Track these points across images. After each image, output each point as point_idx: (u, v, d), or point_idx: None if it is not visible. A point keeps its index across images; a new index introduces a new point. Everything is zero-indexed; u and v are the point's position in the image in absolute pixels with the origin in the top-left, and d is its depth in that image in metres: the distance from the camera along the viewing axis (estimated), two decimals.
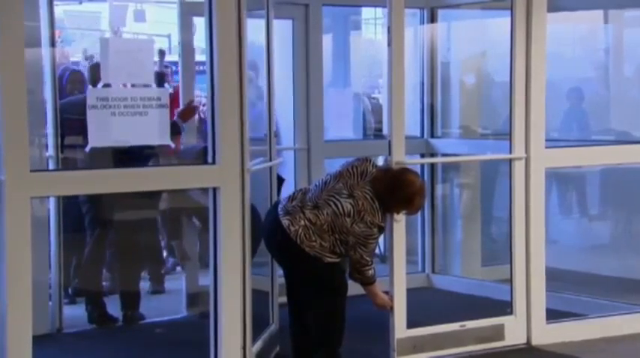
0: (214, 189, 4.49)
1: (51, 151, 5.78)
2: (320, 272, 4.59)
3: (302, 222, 4.51)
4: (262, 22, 5.28)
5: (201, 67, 7.62)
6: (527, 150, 5.44)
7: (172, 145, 5.24)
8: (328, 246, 4.55)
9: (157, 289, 6.82)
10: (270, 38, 5.25)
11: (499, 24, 6.22)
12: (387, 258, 5.34)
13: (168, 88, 5.96)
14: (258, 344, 4.88)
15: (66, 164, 5.71)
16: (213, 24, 4.44)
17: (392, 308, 5.00)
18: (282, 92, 7.11)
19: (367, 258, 4.62)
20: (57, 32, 6.14)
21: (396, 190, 4.61)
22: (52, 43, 5.83)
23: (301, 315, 4.73)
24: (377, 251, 8.22)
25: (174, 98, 6.78)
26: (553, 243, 6.34)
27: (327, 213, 4.52)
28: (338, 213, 4.53)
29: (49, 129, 5.78)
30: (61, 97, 5.99)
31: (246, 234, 4.54)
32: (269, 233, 4.68)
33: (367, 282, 4.72)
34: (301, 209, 4.55)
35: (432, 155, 7.13)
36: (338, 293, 4.65)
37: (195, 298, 6.24)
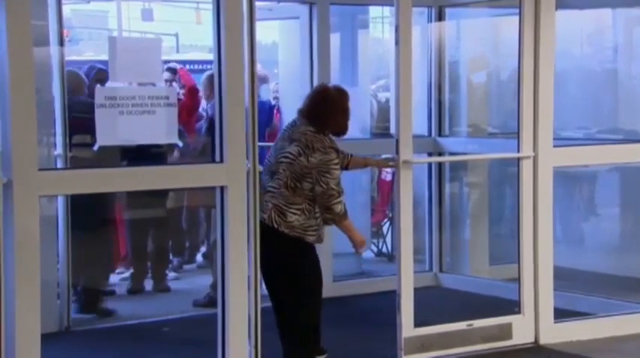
0: (222, 188, 4.50)
1: (59, 150, 5.79)
2: (301, 271, 4.57)
3: (270, 205, 4.49)
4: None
5: (199, 66, 7.67)
6: (535, 148, 5.43)
7: (180, 144, 5.26)
8: (303, 211, 4.49)
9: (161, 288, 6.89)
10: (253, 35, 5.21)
11: (507, 22, 6.21)
12: (394, 257, 5.34)
13: (176, 88, 5.98)
14: None
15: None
16: (220, 23, 4.44)
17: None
18: (290, 91, 7.13)
19: (334, 187, 4.51)
20: (65, 31, 6.15)
21: (319, 107, 4.60)
22: (61, 42, 5.85)
23: (284, 314, 4.73)
24: (384, 249, 8.32)
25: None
26: (561, 242, 6.33)
27: (283, 169, 4.48)
28: (292, 161, 4.49)
29: (58, 127, 5.80)
30: (89, 95, 6.00)
31: (257, 233, 4.54)
32: None
33: (339, 219, 4.59)
34: (264, 189, 4.54)
35: (440, 154, 7.12)
36: (317, 293, 4.64)
37: None
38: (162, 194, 6.49)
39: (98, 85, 5.19)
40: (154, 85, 4.72)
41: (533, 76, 5.39)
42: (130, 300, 6.57)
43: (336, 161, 4.58)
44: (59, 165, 5.71)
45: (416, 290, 5.11)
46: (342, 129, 4.72)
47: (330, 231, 6.67)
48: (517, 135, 5.46)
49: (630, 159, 5.96)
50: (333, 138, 4.65)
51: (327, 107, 4.61)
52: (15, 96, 3.93)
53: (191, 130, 6.80)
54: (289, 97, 7.13)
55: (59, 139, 5.80)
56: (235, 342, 4.53)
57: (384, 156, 8.52)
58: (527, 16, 5.36)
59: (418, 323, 5.11)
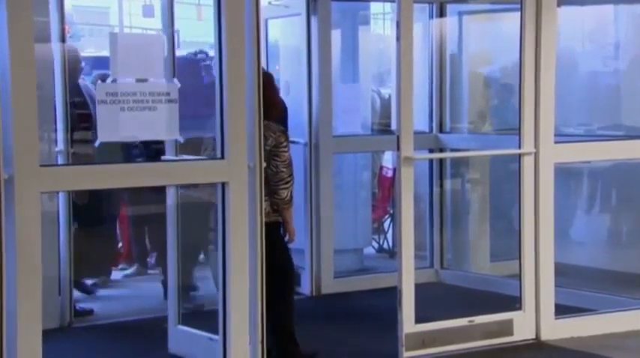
0: (223, 184, 4.50)
1: (60, 146, 5.80)
2: (284, 267, 4.76)
3: None
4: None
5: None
6: (536, 145, 5.43)
7: (181, 140, 5.25)
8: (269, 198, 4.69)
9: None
10: (258, 31, 5.18)
11: (509, 18, 6.20)
12: (395, 253, 5.35)
13: (177, 83, 5.96)
14: None
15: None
16: (222, 18, 4.44)
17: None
18: (291, 87, 7.12)
19: (283, 170, 4.72)
20: (66, 27, 6.15)
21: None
22: (62, 38, 5.85)
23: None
24: (385, 246, 8.32)
25: None
26: (562, 238, 6.33)
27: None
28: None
29: (59, 124, 5.80)
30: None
31: (262, 229, 4.55)
32: None
33: (282, 205, 4.78)
34: None
35: (441, 150, 7.12)
36: (292, 285, 4.92)
37: None
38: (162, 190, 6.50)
39: (99, 81, 5.18)
40: (157, 81, 4.71)
41: (535, 71, 5.39)
42: (130, 297, 6.58)
43: (285, 144, 4.77)
44: (60, 161, 5.72)
45: (417, 286, 5.11)
46: (281, 110, 4.89)
47: (331, 229, 6.72)
48: (518, 131, 5.46)
49: (631, 155, 5.96)
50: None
51: (266, 91, 4.69)
52: (16, 92, 3.93)
53: None
54: (290, 94, 7.13)
55: (60, 135, 5.81)
56: (236, 340, 4.53)
57: (386, 152, 8.59)
58: (529, 11, 5.36)
59: (419, 319, 5.11)
